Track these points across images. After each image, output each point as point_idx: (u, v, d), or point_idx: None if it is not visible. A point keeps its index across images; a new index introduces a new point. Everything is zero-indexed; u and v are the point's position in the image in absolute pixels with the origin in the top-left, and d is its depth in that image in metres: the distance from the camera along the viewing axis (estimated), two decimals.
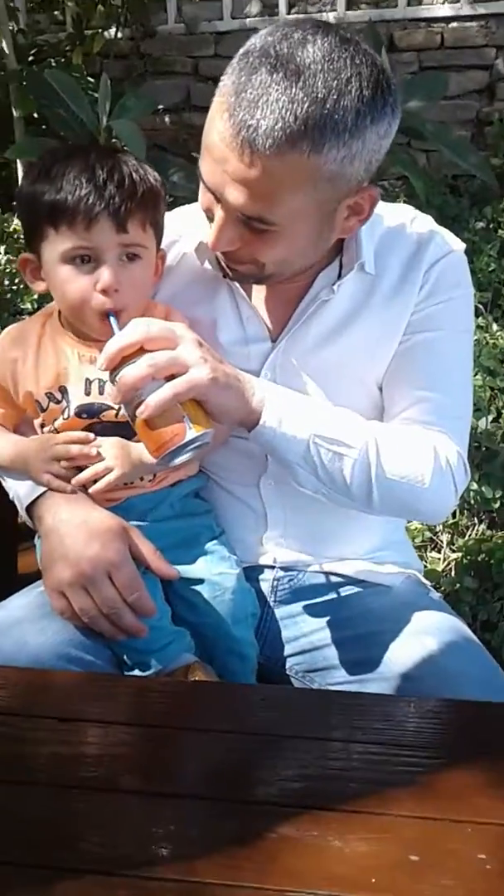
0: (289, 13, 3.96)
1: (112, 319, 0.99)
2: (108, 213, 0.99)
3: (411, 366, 1.12)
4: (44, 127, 3.64)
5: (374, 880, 0.66)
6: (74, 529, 1.04)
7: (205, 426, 0.94)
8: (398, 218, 1.16)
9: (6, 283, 3.46)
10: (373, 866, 0.67)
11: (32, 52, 4.15)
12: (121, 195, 0.99)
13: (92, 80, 3.67)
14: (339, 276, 1.12)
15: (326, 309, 1.12)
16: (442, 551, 2.14)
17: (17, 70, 3.63)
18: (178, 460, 0.94)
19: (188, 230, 1.16)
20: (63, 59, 4.04)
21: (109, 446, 1.06)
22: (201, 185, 1.02)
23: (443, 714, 0.88)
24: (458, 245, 1.16)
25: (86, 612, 1.02)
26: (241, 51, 0.95)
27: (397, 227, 1.15)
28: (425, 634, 1.11)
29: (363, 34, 3.19)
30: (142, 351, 0.92)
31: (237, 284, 1.15)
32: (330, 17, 3.88)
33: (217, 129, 0.94)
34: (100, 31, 4.00)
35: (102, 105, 3.14)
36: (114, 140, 3.32)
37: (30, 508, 1.12)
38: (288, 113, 0.89)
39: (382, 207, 1.14)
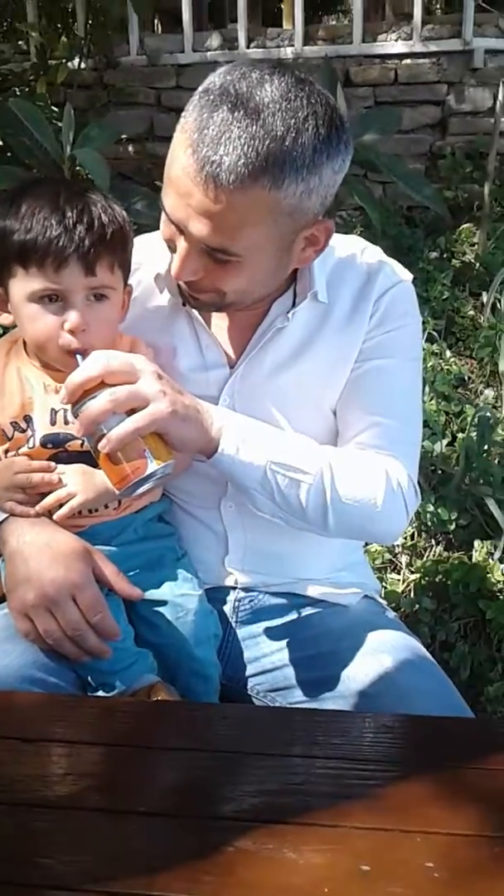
0: (248, 47, 4.05)
1: (79, 358, 1.01)
2: (78, 257, 1.01)
3: (363, 392, 1.17)
4: (8, 154, 3.66)
5: (326, 890, 0.68)
6: (38, 552, 1.06)
7: (165, 458, 0.97)
8: (349, 249, 1.21)
9: None
10: (326, 876, 0.70)
11: None
12: (90, 238, 1.01)
13: (56, 109, 3.70)
14: (294, 305, 1.16)
15: (282, 336, 1.16)
16: (401, 572, 2.18)
17: None
18: (140, 491, 0.97)
19: (148, 259, 1.19)
20: (27, 89, 4.07)
21: (72, 473, 1.08)
22: (163, 217, 1.05)
23: (397, 729, 0.91)
24: (407, 276, 1.21)
25: (50, 633, 1.03)
26: (201, 88, 0.99)
27: (348, 257, 1.20)
28: (382, 653, 1.15)
29: (320, 70, 3.28)
30: (103, 385, 0.95)
31: (196, 313, 1.18)
32: (288, 52, 3.97)
33: (181, 164, 0.97)
34: (63, 61, 4.04)
35: (66, 134, 3.18)
36: (77, 169, 3.36)
37: None
38: (250, 149, 0.93)
39: (334, 239, 1.18)
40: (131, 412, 0.95)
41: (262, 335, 1.17)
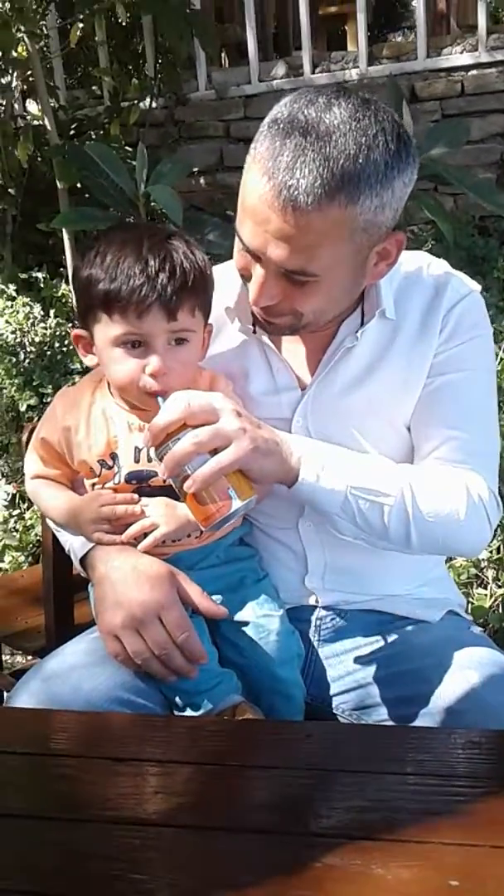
0: (313, 73, 4.11)
1: (160, 399, 1.04)
2: (160, 304, 1.04)
3: (438, 407, 1.17)
4: (86, 196, 3.81)
5: None
6: (125, 576, 1.09)
7: (248, 494, 0.99)
8: (415, 264, 1.21)
9: (56, 345, 3.60)
10: (414, 892, 0.69)
11: (73, 126, 4.37)
12: (172, 285, 1.04)
13: (130, 149, 3.84)
14: (362, 324, 1.17)
15: (351, 356, 1.18)
16: (488, 587, 2.14)
17: (60, 144, 3.82)
18: (225, 528, 1.01)
19: (217, 290, 1.23)
20: (102, 132, 4.24)
21: (155, 505, 1.11)
22: (237, 248, 1.09)
23: (484, 745, 0.90)
24: (475, 286, 1.21)
25: (138, 654, 1.06)
26: (269, 119, 1.03)
27: (415, 273, 1.20)
28: (468, 669, 1.13)
29: (385, 88, 3.30)
30: (185, 426, 0.98)
31: (266, 338, 1.21)
32: (353, 73, 4.01)
33: (257, 192, 1.00)
34: (135, 102, 4.19)
35: (140, 173, 3.29)
36: (153, 204, 3.47)
37: (83, 559, 1.18)
38: (325, 171, 0.96)
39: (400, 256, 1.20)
40: (213, 451, 0.98)
41: (331, 355, 1.18)
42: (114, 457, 1.13)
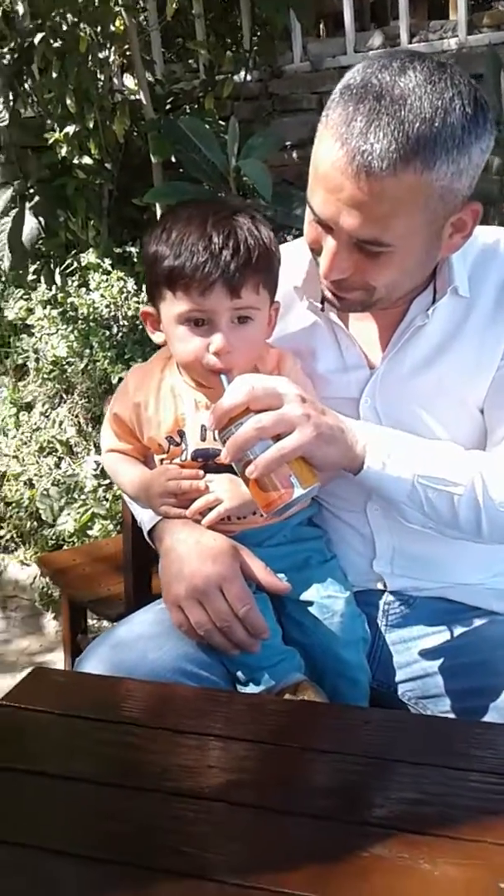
0: (410, 42, 3.97)
1: (223, 378, 1.04)
2: (223, 281, 1.03)
3: None
4: (180, 170, 3.82)
5: None
6: (189, 549, 1.11)
7: (311, 481, 0.98)
8: (491, 239, 1.17)
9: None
10: (461, 891, 0.68)
11: (169, 100, 4.38)
12: (236, 262, 1.03)
13: (223, 122, 3.83)
14: (434, 301, 1.13)
15: (422, 334, 1.14)
16: None
17: (155, 119, 3.84)
18: (287, 514, 1.00)
19: (290, 268, 1.20)
20: (196, 106, 4.23)
21: (220, 481, 1.12)
22: (308, 219, 1.07)
23: None
24: None
25: (201, 625, 1.08)
26: (341, 85, 1.00)
27: (490, 249, 1.16)
28: None
29: (483, 57, 3.15)
30: (248, 411, 0.97)
31: (334, 316, 1.18)
32: (451, 42, 3.85)
33: (330, 159, 0.98)
34: (230, 75, 4.16)
35: (231, 147, 3.27)
36: (244, 179, 3.45)
37: (151, 532, 1.20)
38: (400, 134, 0.94)
39: (477, 230, 1.15)
40: (277, 437, 0.97)
41: (401, 334, 1.15)
42: (181, 434, 1.14)
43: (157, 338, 1.16)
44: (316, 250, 1.08)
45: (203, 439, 1.13)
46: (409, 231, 1.00)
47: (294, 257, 1.19)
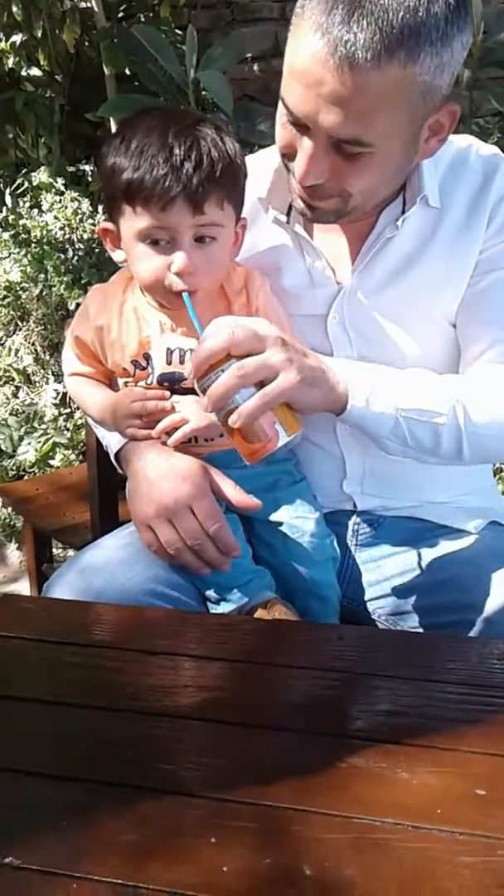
0: None
1: (186, 298, 0.99)
2: (185, 196, 0.98)
3: (487, 306, 1.10)
4: (136, 83, 3.65)
5: (439, 811, 0.67)
6: (157, 469, 1.09)
7: (295, 428, 0.95)
8: (461, 149, 1.13)
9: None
10: (439, 798, 0.69)
11: (122, 8, 4.15)
12: (198, 176, 0.98)
13: (180, 32, 3.65)
14: (403, 212, 1.10)
15: (391, 246, 1.11)
16: None
17: (107, 27, 3.65)
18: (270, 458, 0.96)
19: (250, 180, 1.16)
20: (151, 14, 4.02)
21: (186, 402, 1.09)
22: (281, 121, 1.01)
23: None
24: None
25: (171, 544, 1.07)
26: None
27: (461, 158, 1.12)
28: None
29: None
30: (228, 356, 0.92)
31: (300, 228, 1.14)
32: None
33: (309, 51, 0.92)
34: None
35: (189, 58, 3.14)
36: (203, 92, 3.31)
37: (118, 454, 1.18)
38: (384, 23, 0.89)
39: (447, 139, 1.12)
40: (259, 384, 0.93)
41: (370, 246, 1.12)
42: (147, 357, 1.11)
43: (117, 256, 1.11)
44: (289, 155, 1.03)
45: (169, 363, 1.10)
46: (389, 131, 0.95)
47: (258, 168, 1.14)
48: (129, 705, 0.84)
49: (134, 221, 1.02)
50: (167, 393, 1.10)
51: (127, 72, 3.72)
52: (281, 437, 0.94)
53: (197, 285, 1.02)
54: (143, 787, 0.74)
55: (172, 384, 1.10)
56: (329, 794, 0.70)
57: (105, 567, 1.10)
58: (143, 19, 3.97)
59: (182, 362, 1.09)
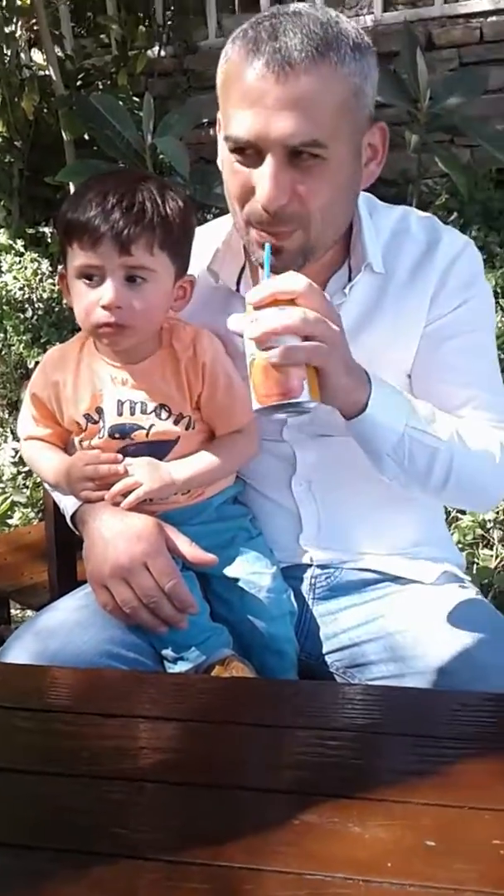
0: None
1: (267, 249, 1.00)
2: (112, 235, 1.04)
3: (453, 370, 1.16)
4: (94, 148, 3.75)
5: (389, 864, 0.68)
6: (113, 529, 1.10)
7: (315, 397, 0.94)
8: (401, 217, 1.19)
9: (64, 301, 3.58)
10: (390, 851, 0.69)
11: (80, 76, 4.28)
12: (126, 219, 1.04)
13: (138, 99, 3.76)
14: (350, 280, 1.14)
15: (341, 312, 1.15)
16: (494, 548, 2.13)
17: (66, 95, 3.75)
18: (276, 416, 0.96)
19: (202, 249, 1.19)
20: (109, 82, 4.15)
21: (139, 465, 1.11)
22: (230, 170, 1.05)
23: (471, 706, 0.89)
24: (465, 239, 1.19)
25: (127, 602, 1.07)
26: (236, 33, 1.03)
27: (402, 227, 1.18)
28: (461, 629, 1.12)
29: (399, 35, 3.18)
30: (290, 303, 0.93)
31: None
32: (367, 19, 3.89)
33: (246, 75, 0.99)
34: (143, 50, 4.09)
35: (146, 124, 3.23)
36: (161, 157, 3.40)
37: (74, 517, 1.19)
38: (308, 31, 0.98)
39: (384, 210, 1.19)
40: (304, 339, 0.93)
41: None
42: (99, 411, 1.13)
43: (69, 300, 1.15)
44: (244, 198, 1.05)
45: (120, 414, 1.12)
46: (337, 132, 1.00)
47: (207, 239, 1.18)
48: (85, 770, 0.84)
49: (72, 259, 1.08)
50: (119, 456, 1.12)
51: (86, 137, 3.81)
52: (303, 393, 0.92)
53: (124, 321, 1.06)
54: (99, 853, 0.73)
55: (123, 435, 1.12)
56: (282, 852, 0.70)
57: (61, 629, 1.09)
58: (101, 87, 4.09)
59: (133, 414, 1.12)
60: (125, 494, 1.11)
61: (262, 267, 1.02)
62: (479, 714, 0.89)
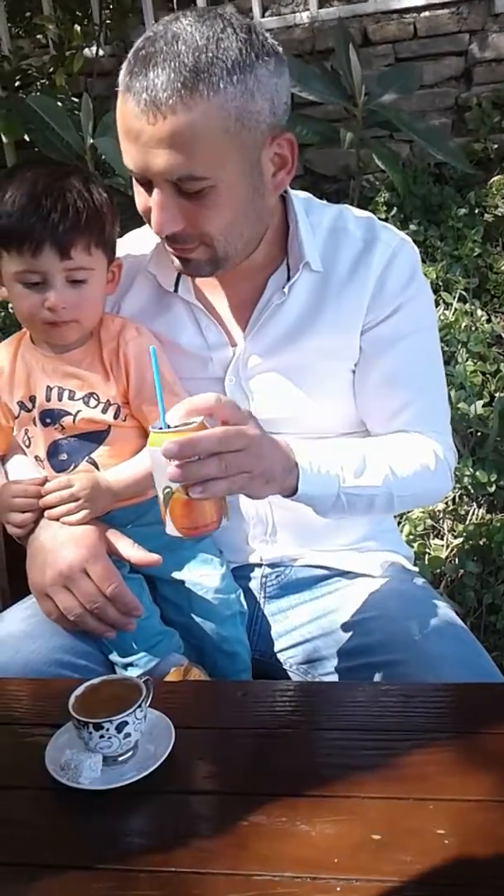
0: (262, 16, 3.99)
1: (153, 353, 0.95)
2: (52, 242, 1.06)
3: (392, 378, 1.17)
4: (35, 150, 3.69)
5: (336, 860, 0.69)
6: (52, 537, 1.10)
7: (228, 515, 0.96)
8: (338, 216, 1.19)
9: (6, 309, 3.52)
10: (337, 847, 0.70)
11: (18, 77, 4.21)
12: (63, 224, 1.05)
13: (77, 100, 3.72)
14: (289, 279, 1.15)
15: (281, 312, 1.16)
16: (444, 538, 2.16)
17: (3, 97, 3.69)
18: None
19: (139, 251, 1.20)
20: (48, 82, 4.09)
21: (82, 487, 1.10)
22: (136, 189, 1.07)
23: (417, 698, 0.91)
24: (403, 237, 1.20)
25: (70, 610, 1.07)
26: (132, 49, 1.02)
27: (339, 225, 1.18)
28: (409, 620, 1.14)
29: (333, 31, 3.19)
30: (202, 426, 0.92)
31: (192, 297, 1.18)
32: (303, 16, 3.89)
33: (123, 113, 1.00)
34: (80, 50, 4.04)
35: (86, 125, 3.20)
36: (103, 157, 3.37)
37: None
38: (177, 65, 0.96)
39: (321, 208, 1.19)
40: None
41: (261, 312, 1.16)
42: (32, 399, 1.16)
43: (1, 292, 1.16)
44: (147, 216, 1.07)
45: (48, 400, 1.14)
46: (219, 160, 1.00)
47: (144, 241, 1.18)
48: (34, 782, 0.83)
49: (10, 265, 1.09)
50: (41, 488, 1.12)
51: (26, 138, 3.75)
52: (222, 522, 0.94)
53: (71, 318, 1.10)
54: (48, 865, 0.73)
55: (53, 421, 1.14)
56: (230, 854, 0.71)
57: (8, 640, 1.08)
58: (39, 88, 4.04)
59: (60, 400, 1.14)
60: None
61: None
62: (427, 705, 0.90)
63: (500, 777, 0.76)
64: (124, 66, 1.00)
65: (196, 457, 0.88)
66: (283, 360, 1.17)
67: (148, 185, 1.03)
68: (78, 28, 4.08)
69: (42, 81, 4.15)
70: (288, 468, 1.03)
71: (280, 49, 1.04)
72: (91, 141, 3.21)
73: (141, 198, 1.07)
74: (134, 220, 1.16)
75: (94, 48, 4.16)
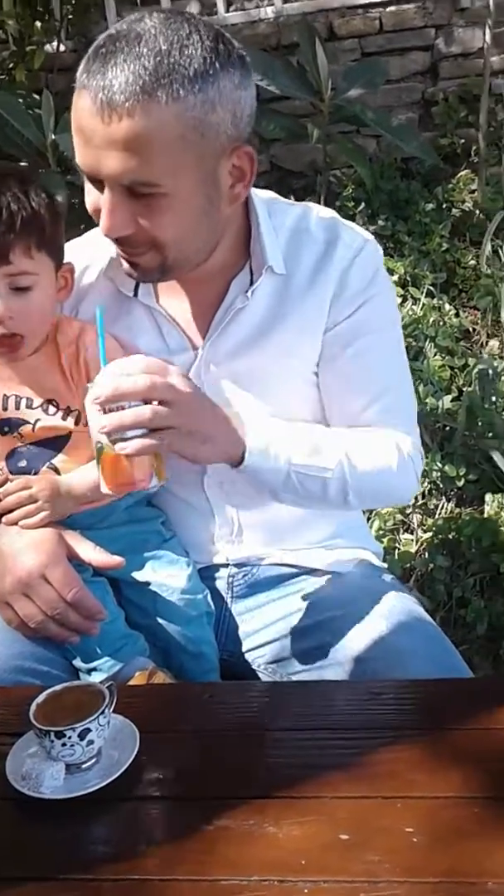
0: (227, 11, 3.96)
1: (99, 314, 1.00)
2: None
3: (354, 376, 1.16)
4: None
5: (304, 862, 0.68)
6: (11, 544, 1.08)
7: (164, 476, 0.97)
8: (300, 216, 1.18)
9: None
10: (304, 848, 0.70)
11: None
12: None
13: (38, 96, 3.67)
14: (252, 283, 1.14)
15: (244, 315, 1.14)
16: (414, 532, 2.16)
17: None
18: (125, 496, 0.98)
19: (98, 254, 1.17)
20: (7, 78, 4.04)
21: (40, 490, 1.08)
22: (86, 188, 1.04)
23: (384, 695, 0.90)
24: (367, 236, 1.18)
25: (31, 617, 1.05)
26: (90, 50, 0.99)
27: (302, 226, 1.17)
28: (378, 617, 1.13)
29: (298, 27, 3.18)
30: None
31: (152, 301, 1.17)
32: (268, 11, 3.88)
33: (78, 110, 0.97)
34: (41, 45, 3.99)
35: (46, 121, 3.16)
36: (65, 153, 3.33)
37: None
38: (137, 67, 0.93)
39: (284, 208, 1.17)
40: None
41: (223, 316, 1.14)
42: None
43: None
44: (97, 216, 1.04)
45: (5, 409, 1.12)
46: (174, 169, 0.98)
47: (101, 246, 1.15)
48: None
49: None
50: (22, 480, 1.10)
51: None
52: (152, 481, 0.95)
53: (18, 330, 1.06)
54: (8, 878, 0.71)
55: (12, 429, 1.12)
56: (196, 860, 0.70)
57: None
58: None
59: (18, 408, 1.12)
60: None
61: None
62: (393, 702, 0.90)
63: (469, 774, 0.76)
64: (83, 61, 0.97)
65: (121, 406, 0.91)
66: (245, 364, 1.15)
67: (99, 185, 1.00)
68: (38, 24, 4.03)
69: (1, 77, 4.10)
70: (231, 436, 1.03)
71: (248, 59, 1.02)
72: (52, 137, 3.17)
73: (91, 197, 1.03)
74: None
75: (54, 43, 4.11)
